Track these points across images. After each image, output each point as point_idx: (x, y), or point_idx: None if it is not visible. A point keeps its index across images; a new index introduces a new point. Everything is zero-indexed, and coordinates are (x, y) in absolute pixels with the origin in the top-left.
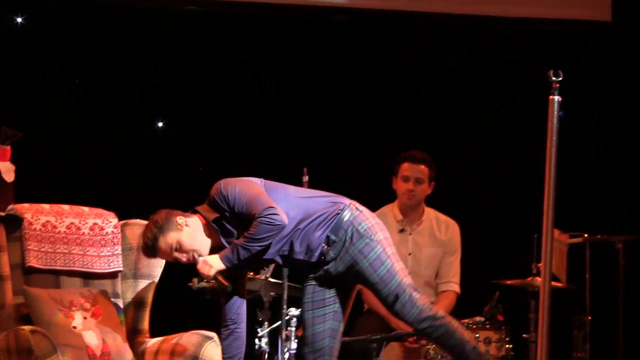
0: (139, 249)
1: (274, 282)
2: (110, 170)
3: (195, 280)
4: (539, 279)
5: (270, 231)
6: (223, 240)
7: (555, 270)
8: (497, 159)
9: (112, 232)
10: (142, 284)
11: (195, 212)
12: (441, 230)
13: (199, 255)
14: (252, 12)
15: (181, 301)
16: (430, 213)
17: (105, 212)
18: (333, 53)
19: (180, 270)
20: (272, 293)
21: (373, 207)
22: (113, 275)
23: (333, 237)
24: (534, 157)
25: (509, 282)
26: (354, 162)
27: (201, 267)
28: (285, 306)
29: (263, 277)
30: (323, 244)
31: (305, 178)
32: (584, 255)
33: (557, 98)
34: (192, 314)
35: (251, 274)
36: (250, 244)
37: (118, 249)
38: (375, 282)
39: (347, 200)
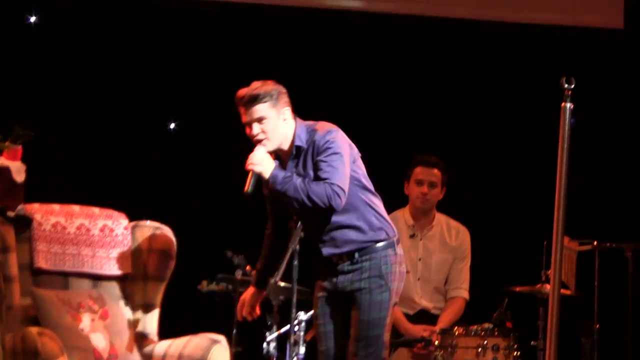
0: (149, 250)
1: (283, 286)
2: (122, 171)
3: (204, 283)
4: (548, 286)
5: (322, 201)
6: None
7: (565, 277)
8: (508, 165)
9: (122, 233)
10: (151, 286)
11: (296, 118)
12: (452, 236)
13: (263, 145)
14: (266, 14)
15: (190, 304)
16: (441, 219)
17: (115, 213)
18: (347, 56)
19: (190, 273)
20: (281, 297)
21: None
22: (122, 277)
23: (357, 257)
24: (545, 163)
25: (518, 288)
26: (367, 165)
27: (254, 155)
28: (294, 310)
29: (272, 281)
30: (344, 255)
31: None
32: (594, 262)
33: (569, 105)
34: (201, 316)
35: None
36: (300, 192)
37: (128, 251)
38: (362, 319)
39: (393, 234)
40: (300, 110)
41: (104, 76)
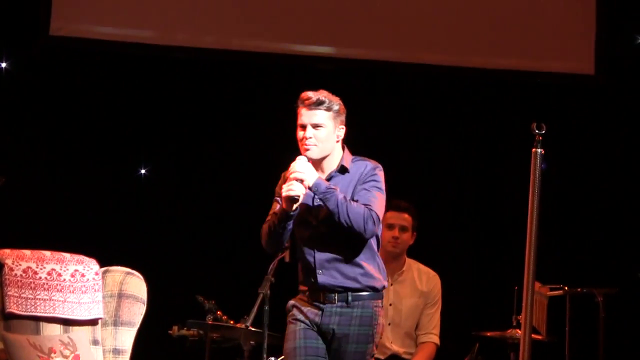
0: (120, 296)
1: (254, 331)
2: (93, 216)
3: (175, 328)
4: (519, 331)
5: (358, 223)
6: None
7: (536, 322)
8: (479, 210)
9: (94, 278)
10: (123, 331)
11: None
12: (422, 281)
13: (307, 152)
14: (236, 60)
15: (161, 349)
16: (411, 264)
17: (86, 258)
18: None
19: (161, 318)
20: (252, 342)
21: None
22: (93, 322)
23: (350, 299)
24: (516, 208)
25: (489, 333)
26: None
27: (296, 164)
28: (265, 355)
29: (243, 326)
30: (338, 291)
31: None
32: (565, 307)
33: (539, 151)
34: None
35: (231, 322)
36: (341, 206)
37: (99, 296)
38: None
39: (383, 287)
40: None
41: (75, 121)
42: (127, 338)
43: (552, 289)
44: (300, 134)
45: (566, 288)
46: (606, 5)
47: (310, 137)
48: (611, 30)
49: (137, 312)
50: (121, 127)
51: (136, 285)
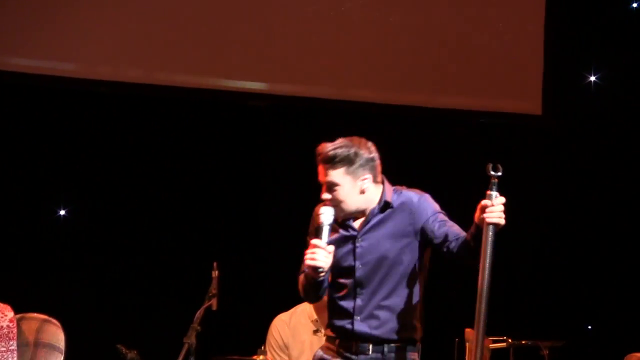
0: (36, 344)
1: None
2: (8, 259)
3: None
4: None
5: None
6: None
7: None
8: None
9: (8, 326)
10: None
11: (384, 182)
12: None
13: (336, 214)
14: (165, 95)
15: None
16: None
17: (0, 304)
18: (249, 140)
19: None
20: None
21: (287, 305)
22: None
23: (387, 350)
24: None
25: None
26: (268, 255)
27: (320, 252)
28: None
29: None
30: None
31: (215, 273)
32: None
33: (495, 194)
34: None
35: None
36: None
37: (13, 345)
38: None
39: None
40: (196, 197)
41: None
42: None
43: (494, 341)
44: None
45: (510, 340)
46: (554, 46)
47: (328, 199)
48: (559, 70)
49: None
50: (39, 165)
51: (53, 333)
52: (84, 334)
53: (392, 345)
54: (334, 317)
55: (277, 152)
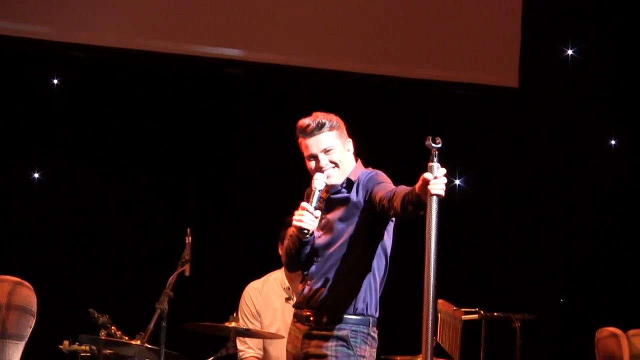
0: (7, 307)
1: (151, 348)
2: None
3: (66, 342)
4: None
5: None
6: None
7: (449, 347)
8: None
9: None
10: (10, 344)
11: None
12: None
13: (333, 179)
14: (141, 60)
15: None
16: None
17: None
18: (226, 107)
19: (51, 332)
20: None
21: (260, 272)
22: None
23: (348, 332)
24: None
25: (398, 358)
26: (240, 224)
27: (305, 213)
28: None
29: (139, 342)
30: (320, 306)
31: (188, 239)
32: (480, 332)
33: (436, 165)
34: None
35: (126, 338)
36: None
37: None
38: None
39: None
40: (172, 163)
41: None
42: (14, 352)
43: (467, 313)
44: (311, 164)
45: (482, 312)
46: (532, 19)
47: (327, 164)
48: (536, 43)
49: (25, 324)
50: (14, 128)
51: (25, 296)
52: (56, 298)
53: (336, 315)
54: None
55: (251, 119)
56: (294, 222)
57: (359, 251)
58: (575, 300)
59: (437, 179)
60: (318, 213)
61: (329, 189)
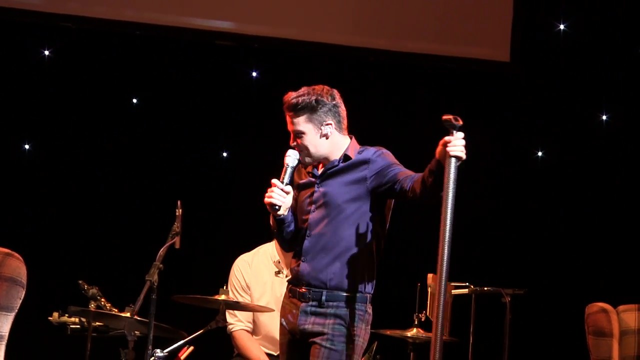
0: None
1: (140, 321)
2: None
3: (56, 314)
4: (421, 330)
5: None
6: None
7: None
8: None
9: None
10: (0, 316)
11: (352, 138)
12: None
13: (303, 162)
14: (132, 32)
15: (40, 336)
16: None
17: None
18: (218, 79)
19: (41, 304)
20: (137, 332)
21: (250, 245)
22: None
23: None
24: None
25: (388, 332)
26: (231, 194)
27: (276, 191)
28: (150, 347)
29: (128, 315)
30: (318, 283)
31: (179, 211)
32: (470, 307)
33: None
34: (51, 349)
35: (116, 310)
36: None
37: None
38: None
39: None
40: (162, 136)
41: None
42: (4, 323)
43: (457, 287)
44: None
45: (472, 286)
46: None
47: (294, 146)
48: (528, 17)
49: (15, 295)
50: (4, 100)
51: (15, 267)
52: (46, 269)
53: (334, 292)
54: (292, 259)
55: (241, 91)
56: (265, 199)
57: (361, 228)
58: (566, 275)
59: (456, 140)
60: (289, 188)
61: (325, 163)
